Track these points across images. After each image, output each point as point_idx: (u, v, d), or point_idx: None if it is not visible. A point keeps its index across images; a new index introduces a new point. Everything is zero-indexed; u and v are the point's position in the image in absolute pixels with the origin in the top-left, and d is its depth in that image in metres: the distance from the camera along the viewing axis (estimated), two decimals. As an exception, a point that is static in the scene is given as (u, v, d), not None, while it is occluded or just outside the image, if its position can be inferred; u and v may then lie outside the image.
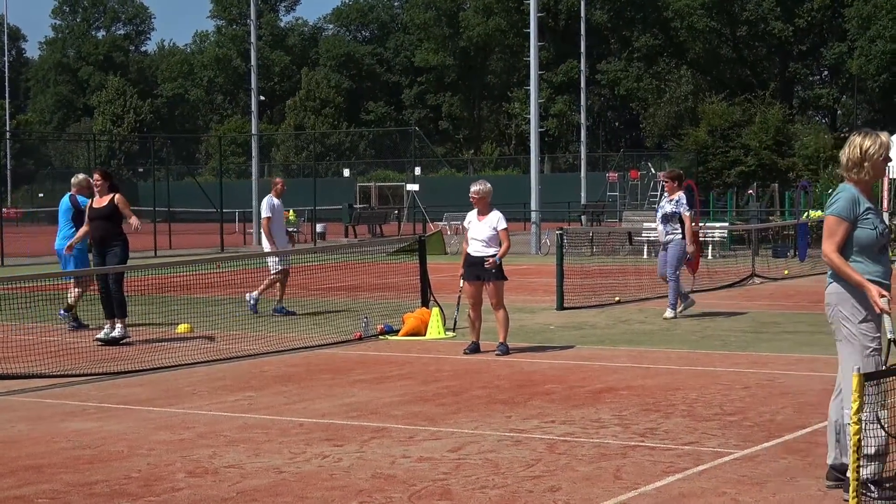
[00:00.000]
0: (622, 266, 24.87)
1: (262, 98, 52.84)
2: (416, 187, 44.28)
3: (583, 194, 48.17)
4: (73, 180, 15.97)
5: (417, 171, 49.14)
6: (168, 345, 13.58)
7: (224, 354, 12.86)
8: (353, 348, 13.57)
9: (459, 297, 13.91)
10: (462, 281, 13.13)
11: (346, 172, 62.90)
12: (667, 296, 16.31)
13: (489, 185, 13.02)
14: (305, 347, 13.52)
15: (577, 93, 51.41)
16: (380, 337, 14.37)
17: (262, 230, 17.32)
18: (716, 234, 30.46)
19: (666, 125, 66.20)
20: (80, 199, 15.53)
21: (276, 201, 17.12)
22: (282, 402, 9.99)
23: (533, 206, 34.67)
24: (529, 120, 36.29)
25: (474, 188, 12.85)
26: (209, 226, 45.30)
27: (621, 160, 60.49)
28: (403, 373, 11.58)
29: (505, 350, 12.65)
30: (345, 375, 11.43)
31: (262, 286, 16.96)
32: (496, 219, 12.73)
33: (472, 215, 12.91)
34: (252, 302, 16.74)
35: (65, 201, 15.77)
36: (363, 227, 46.17)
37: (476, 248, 12.70)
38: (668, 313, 16.14)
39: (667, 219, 16.13)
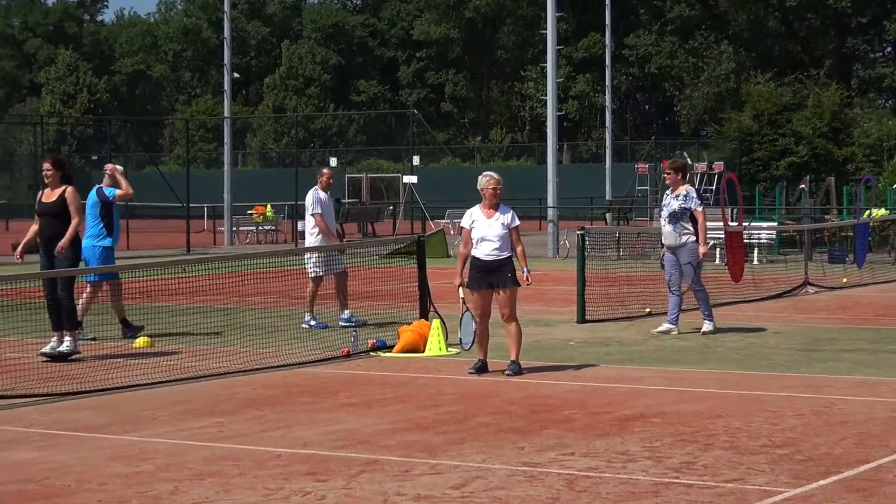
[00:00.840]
0: (653, 272, 24.80)
1: (236, 75, 53.00)
2: (413, 179, 44.36)
3: (607, 188, 48.20)
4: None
5: (416, 160, 49.23)
6: (124, 362, 13.54)
7: (190, 373, 12.84)
8: (339, 367, 13.55)
9: (466, 309, 13.39)
10: (462, 291, 12.84)
11: (333, 162, 62.60)
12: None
13: None
14: (284, 365, 13.48)
15: (602, 71, 51.46)
16: (371, 353, 14.36)
17: (309, 228, 17.17)
18: (763, 236, 30.43)
19: (704, 109, 66.22)
20: (107, 191, 15.58)
21: (322, 195, 17.03)
22: (256, 429, 9.97)
23: (550, 202, 34.67)
24: (546, 102, 36.29)
25: (496, 176, 12.77)
26: (174, 223, 45.36)
27: (652, 149, 60.58)
28: (398, 396, 11.56)
29: (517, 369, 12.61)
30: (330, 399, 11.41)
31: (308, 302, 16.83)
32: (510, 216, 12.67)
33: (475, 213, 12.76)
34: (311, 323, 16.59)
35: (92, 195, 15.75)
36: (352, 225, 46.24)
37: (488, 252, 12.57)
38: (707, 326, 16.14)
39: (675, 217, 16.03)
